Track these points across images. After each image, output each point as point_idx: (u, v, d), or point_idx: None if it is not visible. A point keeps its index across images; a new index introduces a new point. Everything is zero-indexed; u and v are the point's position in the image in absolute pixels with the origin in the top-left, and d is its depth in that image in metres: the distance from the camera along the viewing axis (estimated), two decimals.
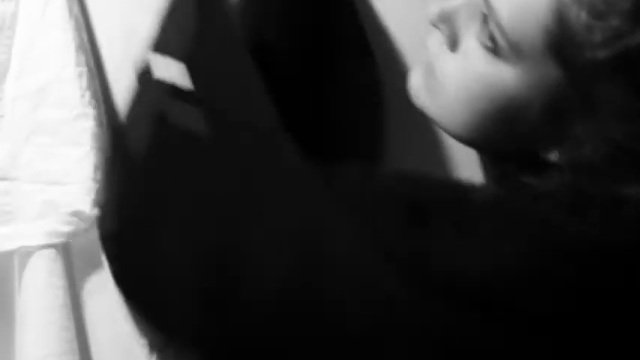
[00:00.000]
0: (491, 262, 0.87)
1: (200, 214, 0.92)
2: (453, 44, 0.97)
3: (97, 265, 1.02)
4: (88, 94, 1.01)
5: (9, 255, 1.01)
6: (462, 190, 0.95)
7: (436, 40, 0.99)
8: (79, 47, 1.01)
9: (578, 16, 0.88)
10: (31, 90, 1.01)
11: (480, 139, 0.96)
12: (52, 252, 1.00)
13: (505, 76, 0.93)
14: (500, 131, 0.95)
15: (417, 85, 1.00)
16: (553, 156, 0.93)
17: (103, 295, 1.01)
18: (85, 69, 1.01)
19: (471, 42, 0.95)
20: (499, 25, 0.92)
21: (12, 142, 1.01)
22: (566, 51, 0.90)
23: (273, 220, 0.91)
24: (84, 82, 1.01)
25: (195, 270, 0.90)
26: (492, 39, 0.93)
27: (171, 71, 0.93)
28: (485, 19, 0.94)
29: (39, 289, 1.00)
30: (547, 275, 0.86)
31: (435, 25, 0.98)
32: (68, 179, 1.00)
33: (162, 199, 0.93)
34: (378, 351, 0.87)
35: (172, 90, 0.93)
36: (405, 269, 0.87)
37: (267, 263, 0.89)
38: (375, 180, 0.97)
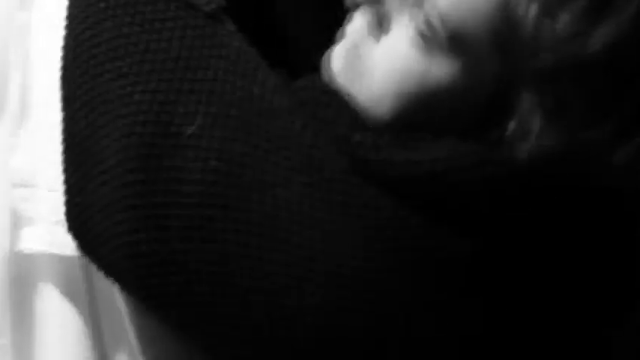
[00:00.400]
0: None
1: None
2: (380, 28, 0.88)
3: None
4: None
5: (29, 259, 1.01)
6: None
7: (360, 18, 0.89)
8: None
9: (528, 10, 0.80)
10: (53, 98, 1.02)
11: (406, 124, 0.86)
12: (72, 258, 1.00)
13: (441, 68, 0.84)
14: (428, 119, 0.86)
15: (338, 67, 0.89)
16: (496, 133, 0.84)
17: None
18: None
19: (403, 27, 0.86)
20: (438, 12, 0.82)
21: (32, 149, 1.01)
22: (512, 50, 0.81)
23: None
24: None
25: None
26: (429, 27, 0.84)
27: None
28: (421, 2, 0.84)
29: (58, 295, 1.00)
30: None
31: (357, 2, 0.89)
32: None
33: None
34: None
35: None
36: None
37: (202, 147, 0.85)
38: None
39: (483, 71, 0.84)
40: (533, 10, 0.80)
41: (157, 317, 0.89)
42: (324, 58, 0.91)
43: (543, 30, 0.80)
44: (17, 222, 1.00)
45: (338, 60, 0.90)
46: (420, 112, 0.86)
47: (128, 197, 0.86)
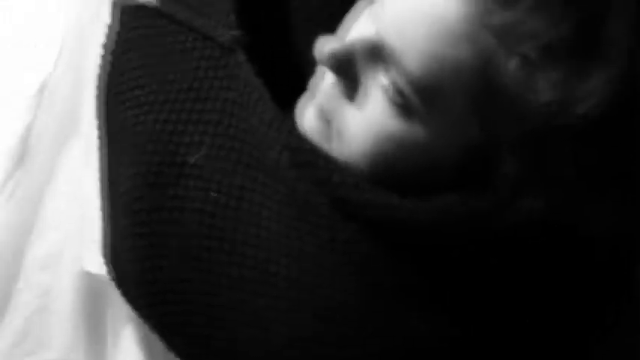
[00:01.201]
0: None
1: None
2: (351, 93, 0.84)
3: None
4: None
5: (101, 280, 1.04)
6: None
7: (331, 77, 0.86)
8: None
9: (506, 70, 0.75)
10: None
11: (389, 183, 0.83)
12: None
13: (417, 133, 0.80)
14: (416, 176, 0.83)
15: (310, 128, 0.87)
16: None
17: None
18: None
19: (373, 91, 0.82)
20: (407, 77, 0.78)
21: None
22: (491, 113, 0.77)
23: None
24: None
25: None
26: (399, 92, 0.79)
27: None
28: (388, 65, 0.80)
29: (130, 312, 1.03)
30: None
31: (326, 67, 0.84)
32: None
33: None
34: None
35: None
36: None
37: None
38: None
39: (462, 133, 0.80)
40: (513, 69, 0.75)
41: (165, 345, 0.89)
42: (296, 111, 0.89)
43: (524, 92, 0.76)
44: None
45: (309, 120, 0.87)
46: (399, 167, 0.83)
47: (135, 225, 0.87)
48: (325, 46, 0.84)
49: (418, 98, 0.79)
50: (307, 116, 0.88)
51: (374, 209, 0.81)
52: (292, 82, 0.91)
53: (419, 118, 0.80)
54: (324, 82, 0.86)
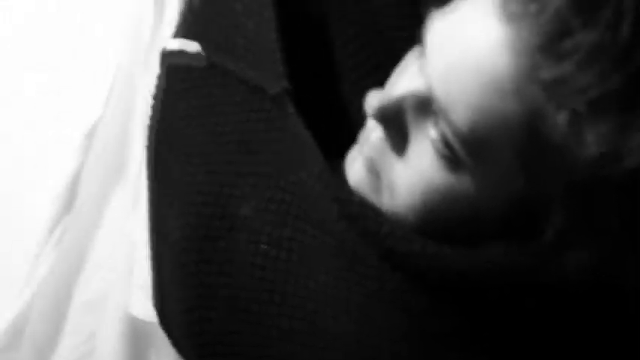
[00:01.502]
0: None
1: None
2: (399, 146, 0.85)
3: None
4: None
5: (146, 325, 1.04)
6: None
7: (378, 134, 0.86)
8: None
9: (555, 120, 0.75)
10: None
11: (436, 233, 0.83)
12: None
13: (464, 185, 0.81)
14: (456, 227, 0.83)
15: (359, 180, 0.88)
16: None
17: None
18: None
19: (422, 145, 0.83)
20: (455, 130, 0.79)
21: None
22: (538, 165, 0.77)
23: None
24: None
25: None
26: (447, 145, 0.80)
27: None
28: (437, 118, 0.81)
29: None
30: None
31: (375, 121, 0.85)
32: None
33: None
34: None
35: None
36: None
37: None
38: None
39: (509, 185, 0.80)
40: (561, 124, 0.75)
41: None
42: (345, 163, 0.90)
43: (572, 146, 0.75)
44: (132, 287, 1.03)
45: (358, 172, 0.88)
46: (445, 218, 0.84)
47: (184, 276, 0.87)
48: (375, 100, 0.85)
49: (466, 151, 0.79)
50: (356, 168, 0.88)
51: (421, 259, 0.81)
52: (339, 132, 0.92)
53: (466, 171, 0.81)
54: (373, 135, 0.87)
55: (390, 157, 0.86)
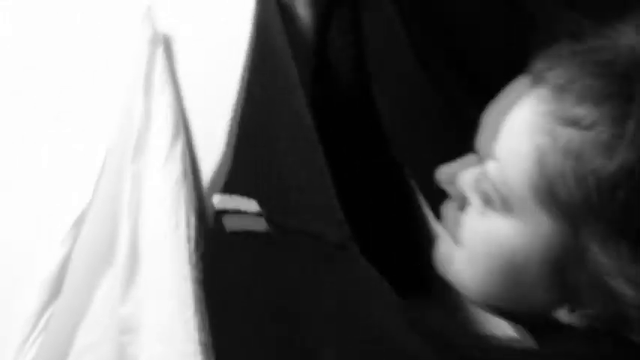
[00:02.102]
0: None
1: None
2: (462, 206, 0.96)
3: None
4: None
5: None
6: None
7: (451, 207, 0.97)
8: None
9: (555, 161, 0.85)
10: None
11: (494, 301, 0.93)
12: None
13: (503, 230, 0.90)
14: (510, 291, 0.91)
15: (444, 255, 0.97)
16: (563, 315, 0.89)
17: None
18: None
19: (475, 201, 0.94)
20: (491, 182, 0.91)
21: (140, 300, 1.04)
22: (550, 201, 0.86)
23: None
24: None
25: None
26: (486, 196, 0.91)
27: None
28: (482, 179, 0.93)
29: None
30: None
31: (444, 186, 0.97)
32: None
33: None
34: None
35: None
36: None
37: None
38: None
39: (536, 226, 0.89)
40: (559, 159, 0.85)
41: None
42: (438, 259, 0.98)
43: (568, 177, 0.85)
44: None
45: (444, 249, 0.98)
46: (501, 285, 0.92)
47: None
48: (443, 174, 0.97)
49: (497, 197, 0.91)
50: (443, 245, 0.98)
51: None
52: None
53: (502, 216, 0.90)
54: (447, 212, 0.99)
55: (460, 219, 0.97)
